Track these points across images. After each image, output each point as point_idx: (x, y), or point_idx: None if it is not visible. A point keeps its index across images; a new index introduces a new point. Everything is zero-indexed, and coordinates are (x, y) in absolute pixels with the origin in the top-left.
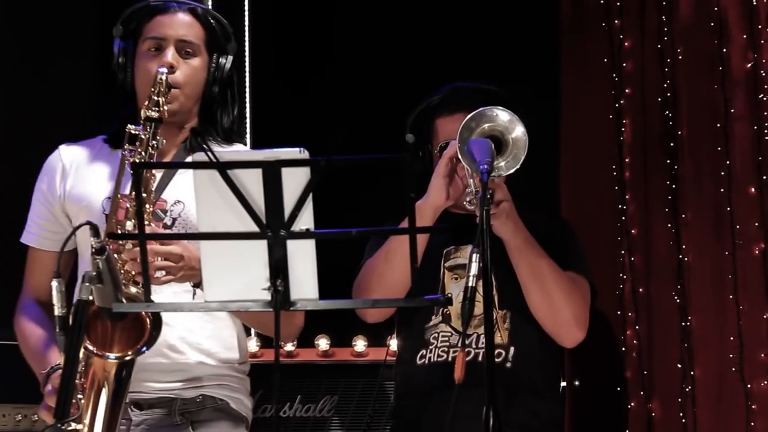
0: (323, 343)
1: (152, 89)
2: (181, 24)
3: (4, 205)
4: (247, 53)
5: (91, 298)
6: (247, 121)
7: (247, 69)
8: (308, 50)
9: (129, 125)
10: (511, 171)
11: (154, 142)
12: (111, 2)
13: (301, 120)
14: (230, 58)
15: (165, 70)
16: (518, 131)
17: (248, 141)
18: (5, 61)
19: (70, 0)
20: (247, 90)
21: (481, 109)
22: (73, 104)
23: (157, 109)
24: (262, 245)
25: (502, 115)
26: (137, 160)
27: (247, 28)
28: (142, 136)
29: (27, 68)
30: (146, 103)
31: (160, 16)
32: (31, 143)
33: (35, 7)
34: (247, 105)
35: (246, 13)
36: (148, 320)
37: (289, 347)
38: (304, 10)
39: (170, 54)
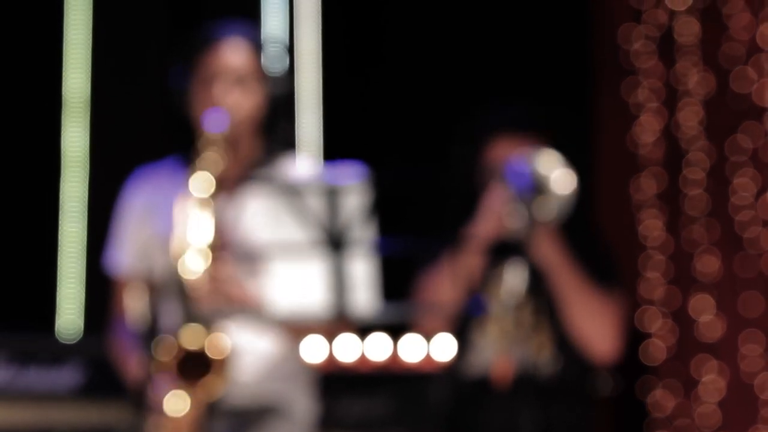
0: (379, 349)
1: (200, 141)
2: (232, 53)
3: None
4: (319, 61)
5: (164, 317)
6: (321, 128)
7: (320, 76)
8: (376, 63)
9: (191, 156)
10: (554, 214)
11: (213, 169)
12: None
13: (368, 128)
14: (283, 77)
15: (213, 126)
16: (564, 178)
17: (321, 148)
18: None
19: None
20: (320, 98)
21: (530, 149)
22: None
23: (208, 157)
24: (323, 258)
25: (549, 159)
26: (200, 183)
27: (320, 36)
28: (203, 163)
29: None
30: (198, 150)
31: (213, 47)
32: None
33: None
34: (321, 113)
35: (319, 20)
36: (221, 363)
37: (347, 355)
38: (373, 24)
39: (221, 85)
